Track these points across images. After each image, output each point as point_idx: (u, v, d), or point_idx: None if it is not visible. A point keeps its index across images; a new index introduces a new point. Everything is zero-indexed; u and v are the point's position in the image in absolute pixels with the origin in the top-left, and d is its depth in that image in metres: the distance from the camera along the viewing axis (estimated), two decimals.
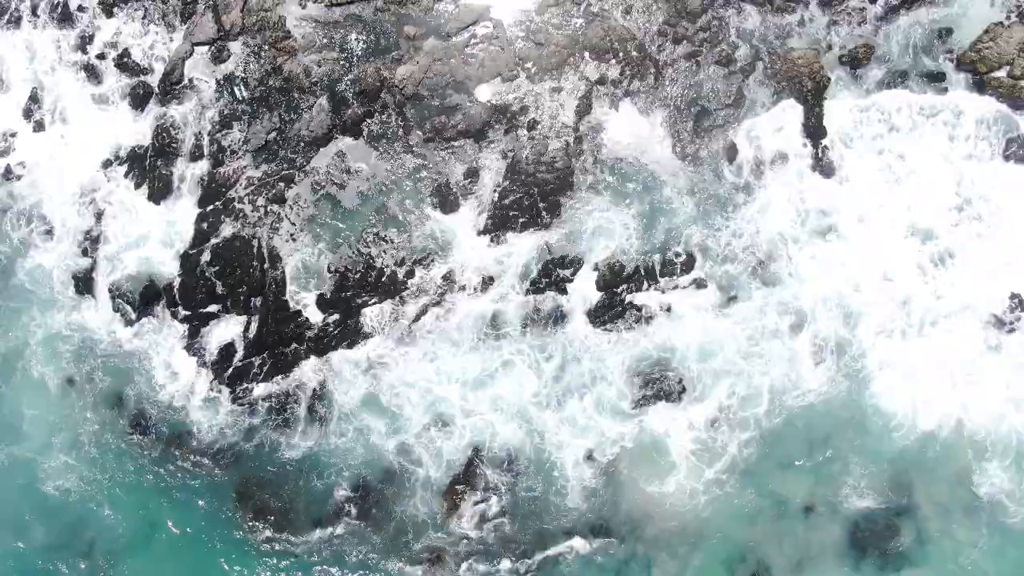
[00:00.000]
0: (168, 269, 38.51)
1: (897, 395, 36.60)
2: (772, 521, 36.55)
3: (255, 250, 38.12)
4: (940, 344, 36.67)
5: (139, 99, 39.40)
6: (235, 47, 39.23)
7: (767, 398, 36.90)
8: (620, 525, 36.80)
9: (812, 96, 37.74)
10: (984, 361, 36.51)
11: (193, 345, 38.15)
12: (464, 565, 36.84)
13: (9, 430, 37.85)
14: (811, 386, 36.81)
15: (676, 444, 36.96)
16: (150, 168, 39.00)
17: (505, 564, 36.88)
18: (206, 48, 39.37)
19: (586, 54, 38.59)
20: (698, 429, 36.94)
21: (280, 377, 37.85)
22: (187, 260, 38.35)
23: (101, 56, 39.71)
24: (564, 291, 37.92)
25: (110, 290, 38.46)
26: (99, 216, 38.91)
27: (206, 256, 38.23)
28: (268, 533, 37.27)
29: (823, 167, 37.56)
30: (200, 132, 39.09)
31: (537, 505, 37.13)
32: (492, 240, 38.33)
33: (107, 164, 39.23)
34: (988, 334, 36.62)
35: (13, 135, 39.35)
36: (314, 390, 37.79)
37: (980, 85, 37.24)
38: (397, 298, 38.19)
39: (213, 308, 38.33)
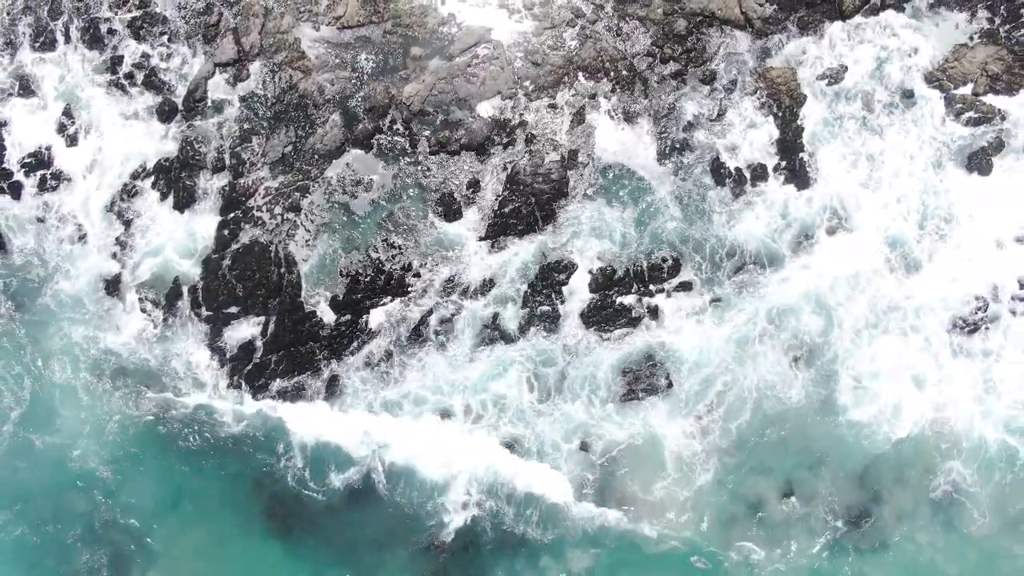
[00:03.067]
0: (192, 273, 39.89)
1: (868, 403, 38.14)
2: (752, 519, 38.23)
3: (272, 255, 39.49)
4: (909, 349, 38.25)
5: (165, 115, 40.69)
6: (254, 67, 40.50)
7: (749, 402, 38.37)
8: (611, 520, 38.21)
9: (789, 112, 39.45)
10: (953, 365, 38.11)
11: (214, 343, 39.60)
12: (464, 550, 38.26)
13: (44, 424, 39.54)
14: (789, 394, 38.31)
15: (668, 445, 38.40)
16: (175, 179, 40.23)
17: (503, 553, 38.40)
18: (227, 68, 40.65)
19: (580, 73, 40.01)
20: (689, 436, 38.43)
21: (294, 374, 39.37)
22: (209, 264, 39.74)
23: (129, 75, 40.97)
24: (559, 293, 39.35)
25: (137, 292, 39.89)
26: (128, 224, 40.31)
27: (227, 261, 39.57)
28: (282, 520, 38.87)
29: (799, 177, 39.27)
30: (222, 146, 40.32)
31: (533, 499, 38.45)
32: (492, 246, 39.68)
33: (136, 176, 40.53)
34: (955, 338, 38.28)
35: (48, 149, 40.78)
36: (324, 386, 39.26)
37: (947, 100, 39.26)
38: (403, 300, 39.56)
39: (233, 309, 39.71)
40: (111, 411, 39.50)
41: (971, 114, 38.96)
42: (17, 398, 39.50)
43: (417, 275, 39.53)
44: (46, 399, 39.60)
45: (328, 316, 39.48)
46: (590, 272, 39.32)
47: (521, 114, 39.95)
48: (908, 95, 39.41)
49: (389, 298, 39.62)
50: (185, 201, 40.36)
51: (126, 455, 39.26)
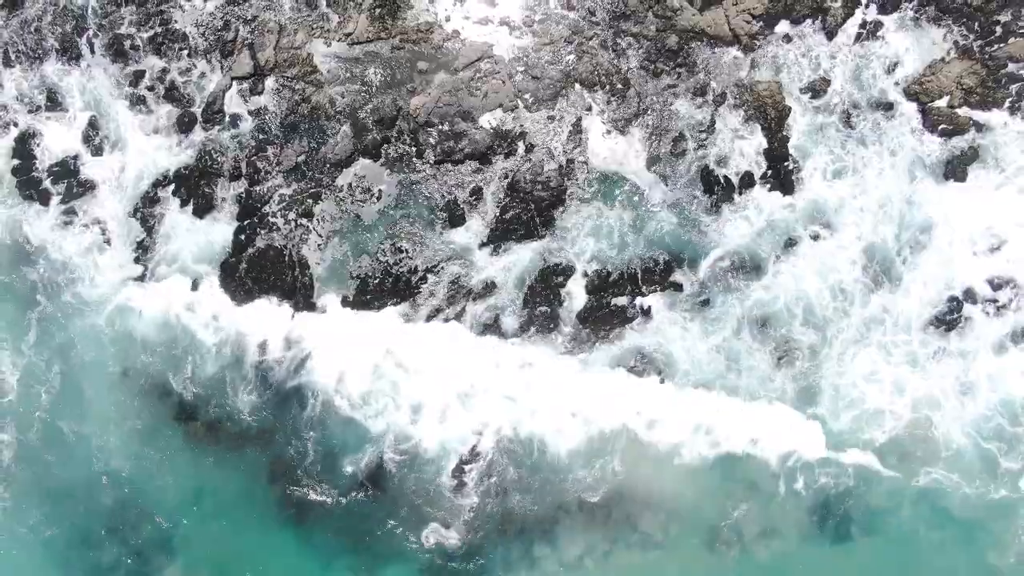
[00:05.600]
0: (211, 276, 41.53)
1: (848, 411, 39.80)
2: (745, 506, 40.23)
3: (287, 259, 41.10)
4: (888, 353, 39.81)
5: (185, 126, 42.13)
6: (269, 81, 41.85)
7: (738, 399, 40.07)
8: (609, 509, 40.14)
9: (775, 123, 40.98)
10: (932, 368, 39.78)
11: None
12: (468, 537, 40.04)
13: (73, 414, 41.63)
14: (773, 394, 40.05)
15: (661, 443, 40.32)
16: (195, 187, 41.78)
17: (503, 539, 40.17)
18: (243, 82, 42.01)
19: (577, 86, 41.32)
20: (680, 437, 40.21)
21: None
22: (227, 267, 41.42)
23: (151, 88, 42.39)
24: (558, 295, 40.83)
25: (158, 294, 41.55)
26: (150, 230, 41.91)
27: (244, 264, 41.22)
28: (295, 506, 40.77)
29: (785, 185, 40.87)
30: (238, 155, 41.74)
31: (535, 488, 40.21)
32: (494, 250, 41.09)
33: (157, 184, 42.02)
34: (931, 340, 39.87)
35: (75, 158, 42.34)
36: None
37: (924, 112, 40.84)
38: (410, 302, 41.08)
39: None
40: (133, 404, 41.47)
41: (947, 125, 40.43)
42: (47, 391, 41.55)
43: (423, 278, 40.98)
44: (72, 396, 41.57)
45: (339, 317, 41.07)
46: (586, 275, 40.76)
47: (521, 125, 41.24)
48: (887, 107, 40.83)
49: (397, 300, 41.16)
50: (204, 208, 41.90)
51: (147, 445, 41.31)
